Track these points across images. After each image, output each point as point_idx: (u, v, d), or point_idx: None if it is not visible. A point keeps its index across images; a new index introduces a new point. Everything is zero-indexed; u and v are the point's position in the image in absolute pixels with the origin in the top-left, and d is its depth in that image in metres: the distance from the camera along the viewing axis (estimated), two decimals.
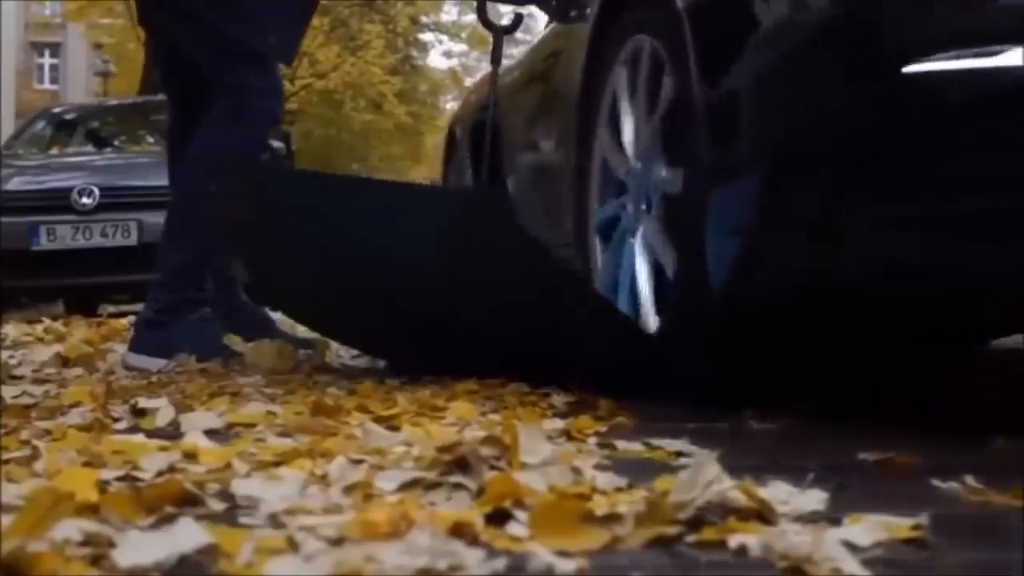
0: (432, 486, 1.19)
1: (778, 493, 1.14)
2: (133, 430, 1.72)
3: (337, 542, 0.96)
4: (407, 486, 1.20)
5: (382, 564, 0.88)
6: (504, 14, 3.69)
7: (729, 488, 1.08)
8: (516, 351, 2.17)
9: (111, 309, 8.09)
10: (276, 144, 6.61)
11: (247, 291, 3.17)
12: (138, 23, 3.29)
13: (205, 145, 2.89)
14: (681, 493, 1.08)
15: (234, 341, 2.82)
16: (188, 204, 2.88)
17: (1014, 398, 2.24)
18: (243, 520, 1.08)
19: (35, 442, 1.51)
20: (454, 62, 31.71)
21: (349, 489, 1.19)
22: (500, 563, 0.92)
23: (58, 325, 4.25)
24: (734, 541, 0.99)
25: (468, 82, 35.14)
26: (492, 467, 1.24)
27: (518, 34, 3.49)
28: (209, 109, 2.91)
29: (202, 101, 2.94)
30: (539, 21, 4.52)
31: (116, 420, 1.83)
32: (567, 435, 1.62)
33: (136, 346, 2.86)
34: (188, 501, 1.14)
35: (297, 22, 3.03)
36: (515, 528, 1.02)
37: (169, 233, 2.96)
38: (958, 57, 1.65)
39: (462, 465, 1.22)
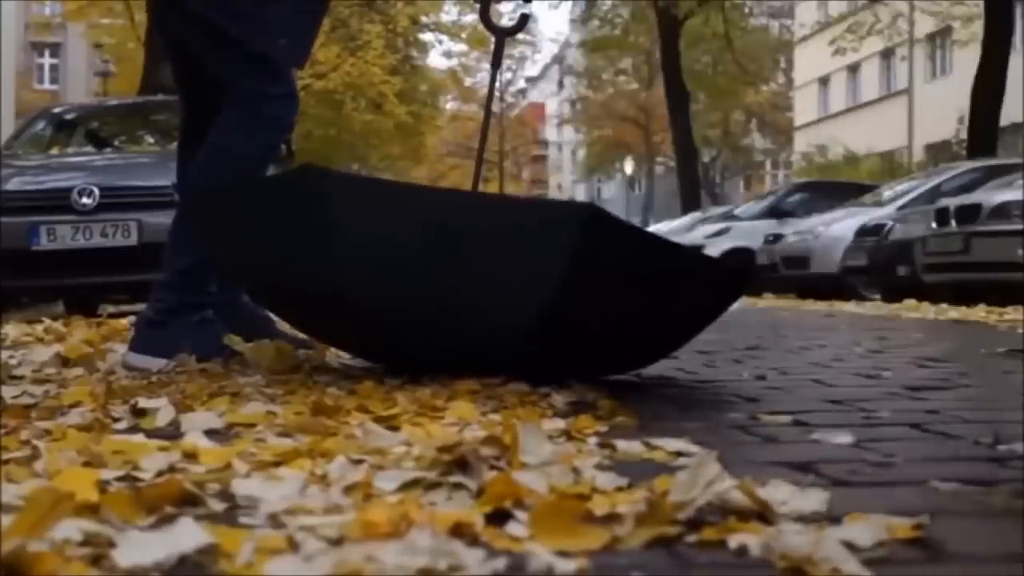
0: (432, 486, 1.19)
1: (778, 493, 1.14)
2: (133, 430, 1.72)
3: (337, 542, 0.96)
4: (407, 486, 1.20)
5: (382, 564, 0.88)
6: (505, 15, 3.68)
7: (729, 488, 1.08)
8: None
9: (111, 309, 8.09)
10: None
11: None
12: (151, 24, 3.30)
13: (216, 149, 2.89)
14: (681, 493, 1.08)
15: (234, 341, 2.82)
16: (195, 206, 2.87)
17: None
18: (243, 520, 1.08)
19: (35, 442, 1.51)
20: (454, 62, 31.77)
21: (349, 489, 1.19)
22: (500, 563, 0.92)
23: (58, 325, 4.26)
24: (734, 541, 0.98)
25: (468, 82, 35.21)
26: (492, 467, 1.24)
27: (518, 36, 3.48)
28: (222, 112, 2.90)
29: (215, 103, 2.93)
30: (541, 22, 4.51)
31: (116, 420, 1.83)
32: (567, 435, 1.62)
33: (136, 346, 2.86)
34: (188, 501, 1.14)
35: (307, 26, 3.01)
36: (515, 528, 1.02)
37: (175, 234, 2.95)
38: None
39: (462, 465, 1.22)
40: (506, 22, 3.53)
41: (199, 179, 2.89)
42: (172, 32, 3.09)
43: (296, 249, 2.35)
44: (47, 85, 38.40)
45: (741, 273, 3.01)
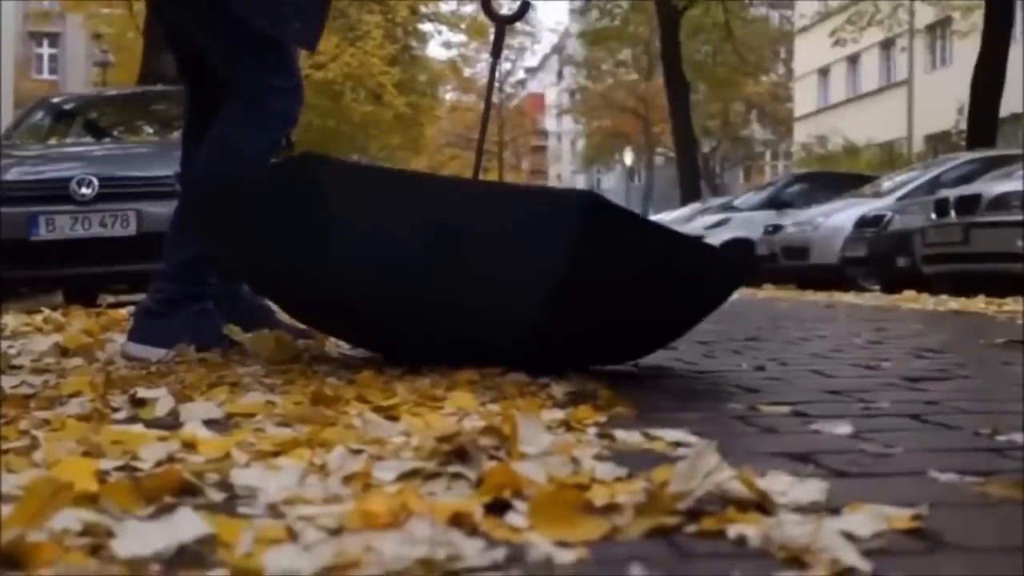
0: (431, 476, 1.19)
1: (777, 483, 1.14)
2: (132, 420, 1.72)
3: (336, 532, 0.96)
4: (406, 476, 1.20)
5: (381, 554, 0.88)
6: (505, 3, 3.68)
7: (728, 478, 1.08)
8: None
9: (110, 299, 8.09)
10: None
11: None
12: (150, 13, 3.27)
13: (219, 142, 2.87)
14: (680, 483, 1.08)
15: (234, 331, 2.82)
16: (198, 198, 2.86)
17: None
18: (242, 510, 1.09)
19: (34, 432, 1.51)
20: (453, 52, 31.75)
21: (348, 479, 1.19)
22: (499, 553, 0.92)
23: (57, 315, 4.25)
24: (733, 531, 0.99)
25: (467, 73, 35.20)
26: (491, 457, 1.24)
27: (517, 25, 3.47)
28: (226, 104, 2.88)
29: (219, 92, 2.91)
30: (540, 13, 4.50)
31: (115, 410, 1.83)
32: (566, 425, 1.62)
33: (136, 336, 2.85)
34: (187, 491, 1.14)
35: (319, 7, 2.99)
36: (514, 518, 1.02)
37: (176, 225, 2.95)
38: None
39: (461, 455, 1.22)
40: (506, 11, 3.52)
41: (202, 171, 2.88)
42: (173, 22, 3.07)
43: (295, 243, 2.35)
44: (46, 75, 38.36)
45: (741, 263, 3.02)
